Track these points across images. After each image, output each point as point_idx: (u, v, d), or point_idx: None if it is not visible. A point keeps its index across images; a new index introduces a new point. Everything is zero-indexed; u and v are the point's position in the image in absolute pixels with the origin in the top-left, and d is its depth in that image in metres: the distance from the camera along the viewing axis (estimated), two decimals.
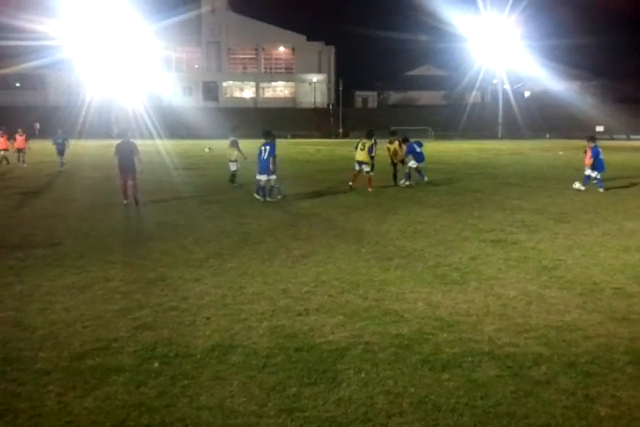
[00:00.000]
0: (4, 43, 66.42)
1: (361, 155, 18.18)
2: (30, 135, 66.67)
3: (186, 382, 4.86)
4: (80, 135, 54.57)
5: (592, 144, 17.88)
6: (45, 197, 16.96)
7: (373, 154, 18.12)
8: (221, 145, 19.87)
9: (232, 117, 68.38)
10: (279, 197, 15.82)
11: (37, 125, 70.49)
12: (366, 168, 18.09)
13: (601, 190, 17.30)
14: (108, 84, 70.37)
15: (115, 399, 4.56)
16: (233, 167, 19.29)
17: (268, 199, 15.56)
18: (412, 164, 19.68)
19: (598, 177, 17.73)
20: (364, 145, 18.11)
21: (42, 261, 9.00)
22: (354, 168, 18.54)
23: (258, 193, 15.84)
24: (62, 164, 26.37)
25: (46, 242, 10.49)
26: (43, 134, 67.20)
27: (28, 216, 13.40)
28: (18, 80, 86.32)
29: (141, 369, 5.08)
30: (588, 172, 17.93)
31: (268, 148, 15.52)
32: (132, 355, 5.38)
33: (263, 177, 15.70)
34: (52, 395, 4.63)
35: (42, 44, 66.74)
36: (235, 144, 19.00)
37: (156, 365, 5.15)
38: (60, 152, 26.79)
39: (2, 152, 28.53)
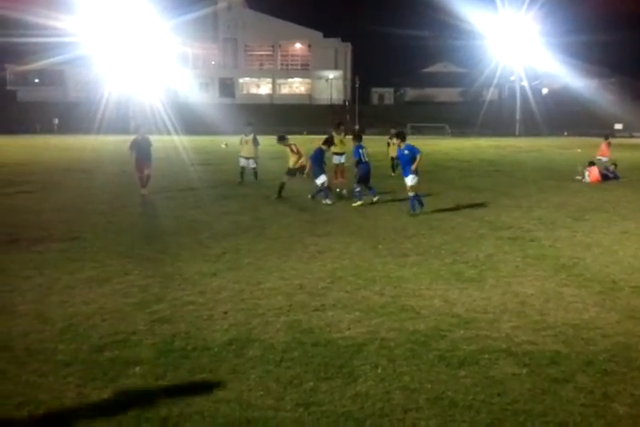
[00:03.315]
0: (24, 40, 67.13)
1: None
2: (49, 131, 67.58)
3: (204, 375, 4.90)
4: (98, 131, 54.93)
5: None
6: (64, 191, 17.10)
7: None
8: (238, 141, 19.61)
9: (248, 114, 68.55)
10: (328, 201, 14.67)
11: (56, 121, 71.17)
12: None
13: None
14: (126, 80, 70.74)
15: (133, 392, 4.61)
16: (253, 164, 18.88)
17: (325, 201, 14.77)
18: None
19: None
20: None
21: (61, 255, 9.10)
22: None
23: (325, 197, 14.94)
24: None
25: (65, 236, 10.59)
26: (61, 130, 68.01)
27: (47, 210, 13.54)
28: (37, 76, 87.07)
29: (159, 362, 5.13)
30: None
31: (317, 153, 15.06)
32: (150, 348, 5.44)
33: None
34: (71, 386, 4.69)
35: (61, 40, 67.29)
36: (256, 140, 18.80)
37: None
38: None
39: None
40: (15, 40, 68.18)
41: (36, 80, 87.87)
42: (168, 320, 6.16)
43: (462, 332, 5.86)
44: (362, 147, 14.78)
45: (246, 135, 19.03)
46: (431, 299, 6.94)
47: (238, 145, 19.38)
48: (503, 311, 6.50)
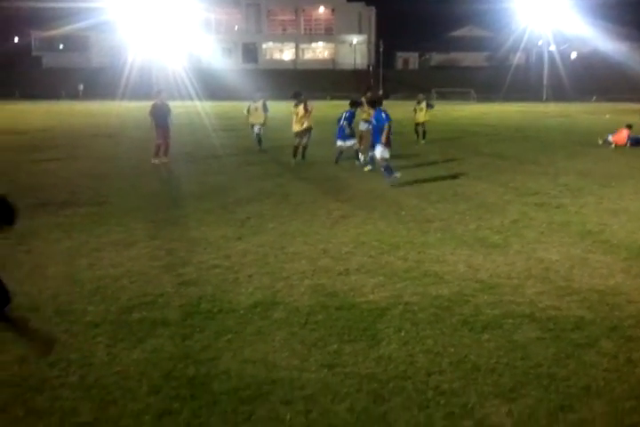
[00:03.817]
0: (49, 5, 66.95)
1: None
2: (74, 96, 67.77)
3: (230, 336, 4.98)
4: (123, 96, 55.01)
5: None
6: (90, 156, 17.24)
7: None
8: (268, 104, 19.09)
9: (271, 79, 68.08)
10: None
11: (81, 87, 71.32)
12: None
13: None
14: (150, 46, 70.43)
15: (161, 352, 4.70)
16: (257, 130, 18.33)
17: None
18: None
19: None
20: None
21: (88, 219, 9.23)
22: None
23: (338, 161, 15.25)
24: None
25: (92, 200, 10.73)
26: (86, 95, 68.20)
27: (74, 175, 13.69)
28: (62, 42, 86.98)
29: (186, 323, 5.22)
30: None
31: (347, 114, 14.93)
32: (177, 309, 5.53)
33: (346, 143, 15.08)
34: (101, 346, 4.81)
35: (85, 5, 67.06)
36: (265, 106, 18.21)
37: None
38: None
39: None
40: (40, 5, 68.18)
41: (61, 46, 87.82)
42: (194, 283, 6.25)
43: (486, 297, 5.87)
44: (382, 111, 14.54)
45: (255, 102, 18.29)
46: (455, 264, 6.94)
47: (246, 112, 18.56)
48: (527, 277, 6.48)
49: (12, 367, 4.45)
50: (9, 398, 4.04)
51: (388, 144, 12.36)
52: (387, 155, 12.33)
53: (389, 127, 12.36)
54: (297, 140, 15.73)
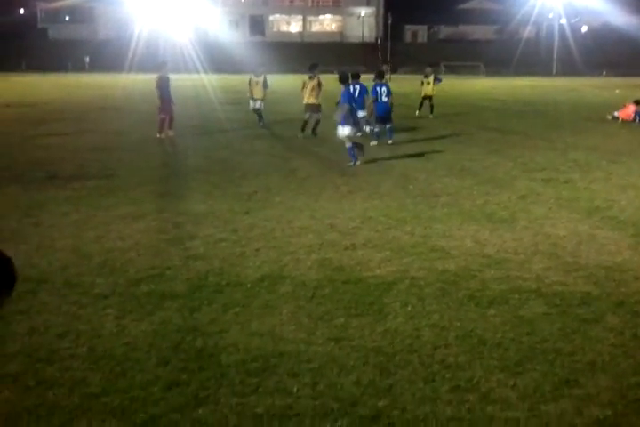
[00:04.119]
0: None
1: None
2: (80, 69, 67.36)
3: (237, 309, 5.02)
4: (129, 69, 54.65)
5: None
6: (97, 129, 17.20)
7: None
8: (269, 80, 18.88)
9: (278, 52, 67.43)
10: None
11: (87, 59, 70.87)
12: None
13: None
14: (156, 18, 69.73)
15: (170, 324, 4.75)
16: (257, 105, 17.65)
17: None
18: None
19: None
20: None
21: (96, 192, 9.25)
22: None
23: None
24: None
25: (100, 173, 10.74)
26: (93, 68, 67.80)
27: (82, 148, 13.67)
28: (68, 14, 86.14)
29: (194, 296, 5.26)
30: None
31: (357, 87, 14.45)
32: (185, 282, 5.57)
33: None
34: (110, 318, 4.85)
35: None
36: (265, 82, 17.46)
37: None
38: None
39: None
40: None
41: (67, 18, 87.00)
42: (202, 256, 6.28)
43: (492, 272, 5.88)
44: (382, 85, 14.48)
45: (257, 76, 17.46)
46: (462, 239, 6.94)
47: (247, 86, 17.90)
48: (534, 253, 6.48)
49: (23, 339, 4.50)
50: (20, 368, 4.09)
51: (353, 123, 11.54)
52: (346, 132, 11.51)
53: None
54: (307, 115, 15.56)
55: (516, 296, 5.29)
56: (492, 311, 4.99)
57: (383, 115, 14.39)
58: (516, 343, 4.46)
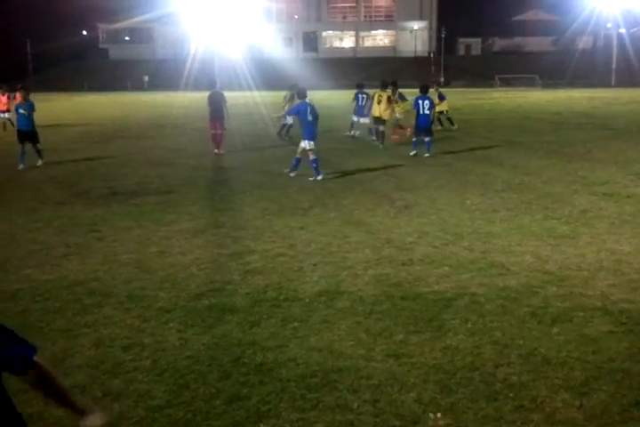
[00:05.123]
0: None
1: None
2: (139, 88, 69.25)
3: (296, 324, 5.05)
4: (186, 87, 55.91)
5: None
6: (157, 146, 17.66)
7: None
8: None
9: (331, 68, 67.98)
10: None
11: (146, 78, 72.94)
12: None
13: None
14: (212, 37, 71.30)
15: (230, 337, 4.81)
16: (289, 121, 18.10)
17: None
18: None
19: None
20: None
21: (157, 208, 9.48)
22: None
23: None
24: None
25: (160, 189, 11.01)
26: (151, 87, 69.67)
27: (143, 165, 14.06)
28: (128, 34, 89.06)
29: (254, 311, 5.32)
30: None
31: (364, 96, 17.45)
32: (244, 297, 5.64)
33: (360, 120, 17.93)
34: (173, 331, 4.95)
35: None
36: (292, 99, 17.35)
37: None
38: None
39: (4, 115, 22.43)
40: None
41: (127, 38, 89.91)
42: (260, 271, 6.35)
43: (555, 289, 5.75)
44: (425, 98, 14.83)
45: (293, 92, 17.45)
46: (522, 255, 6.82)
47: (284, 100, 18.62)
48: (598, 269, 6.31)
49: (89, 351, 4.63)
50: (86, 380, 4.21)
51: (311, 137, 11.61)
52: (308, 147, 11.60)
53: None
54: (376, 127, 16.76)
55: (581, 314, 5.16)
56: (555, 329, 4.88)
57: (424, 127, 14.77)
58: (582, 362, 4.34)
